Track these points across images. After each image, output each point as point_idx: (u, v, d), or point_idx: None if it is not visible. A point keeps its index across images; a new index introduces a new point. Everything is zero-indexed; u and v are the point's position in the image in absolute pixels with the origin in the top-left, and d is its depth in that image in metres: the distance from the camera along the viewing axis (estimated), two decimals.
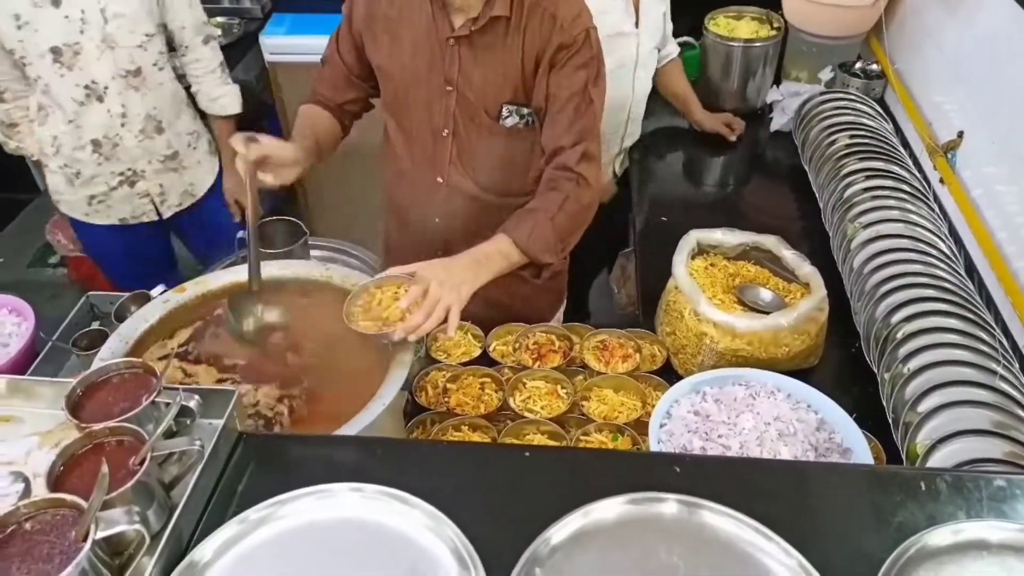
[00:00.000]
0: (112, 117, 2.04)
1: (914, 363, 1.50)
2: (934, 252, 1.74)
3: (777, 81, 2.67)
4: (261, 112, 3.66)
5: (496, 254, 1.48)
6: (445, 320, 1.36)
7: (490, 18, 1.50)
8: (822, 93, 2.41)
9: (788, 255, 1.72)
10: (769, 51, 2.55)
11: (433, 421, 1.54)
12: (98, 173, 2.12)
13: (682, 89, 2.49)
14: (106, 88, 2.00)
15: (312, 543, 0.98)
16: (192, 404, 1.07)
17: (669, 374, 1.66)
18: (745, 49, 2.53)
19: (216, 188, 2.40)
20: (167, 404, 1.04)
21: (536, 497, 1.04)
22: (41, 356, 1.66)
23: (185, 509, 0.97)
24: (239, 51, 3.25)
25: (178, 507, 0.96)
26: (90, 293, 1.85)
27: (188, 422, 1.09)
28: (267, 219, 2.07)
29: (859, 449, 1.35)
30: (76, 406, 1.04)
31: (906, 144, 2.27)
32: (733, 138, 2.50)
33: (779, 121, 2.55)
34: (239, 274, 1.59)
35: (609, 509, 1.00)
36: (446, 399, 1.58)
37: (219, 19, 3.28)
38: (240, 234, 2.23)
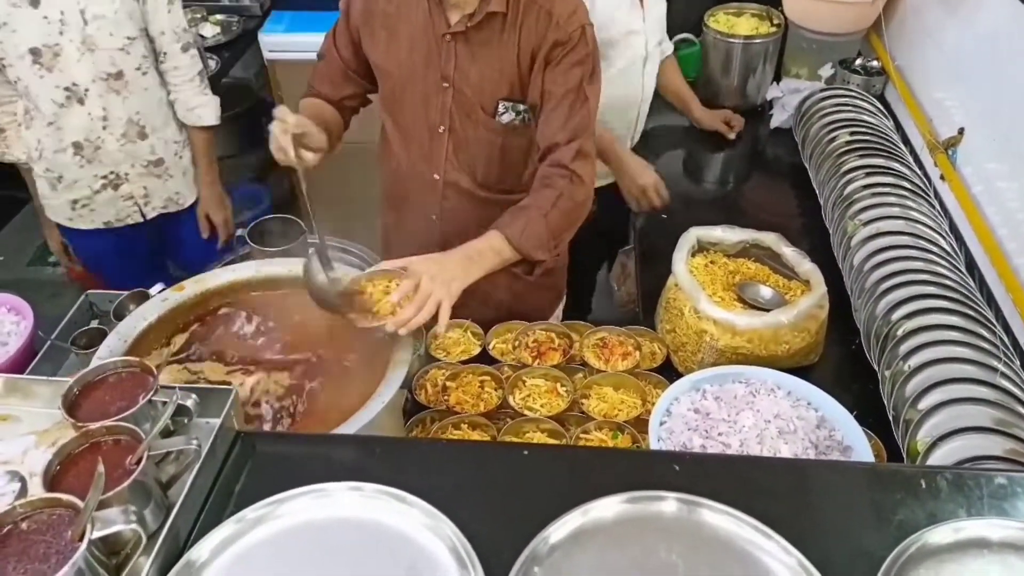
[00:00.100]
0: (93, 120, 2.02)
1: (914, 360, 1.49)
2: (935, 249, 1.74)
3: (777, 78, 2.66)
4: (261, 110, 3.66)
5: (488, 251, 1.48)
6: (436, 317, 1.36)
7: (486, 14, 1.50)
8: (822, 90, 2.41)
9: (788, 252, 1.72)
10: (769, 48, 2.55)
11: (432, 419, 1.54)
12: (80, 176, 2.09)
13: (680, 86, 2.49)
14: (87, 91, 1.98)
15: (310, 542, 0.98)
16: (189, 403, 1.07)
17: (669, 372, 1.66)
18: (745, 46, 2.52)
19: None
20: (164, 403, 1.04)
21: (535, 496, 1.03)
22: (40, 355, 1.66)
23: (182, 508, 0.97)
24: (238, 49, 3.25)
25: (175, 506, 0.96)
26: (89, 292, 1.84)
27: (185, 421, 1.08)
28: (265, 217, 2.06)
29: (859, 447, 1.34)
30: (73, 405, 1.04)
31: (906, 141, 2.26)
32: (732, 135, 2.49)
33: (779, 118, 2.54)
34: (239, 272, 1.60)
35: (608, 508, 1.00)
36: (445, 397, 1.58)
37: (218, 16, 3.28)
38: (239, 232, 2.23)
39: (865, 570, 0.92)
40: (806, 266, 1.69)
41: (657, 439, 1.36)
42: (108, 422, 0.98)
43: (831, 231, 1.98)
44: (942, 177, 2.03)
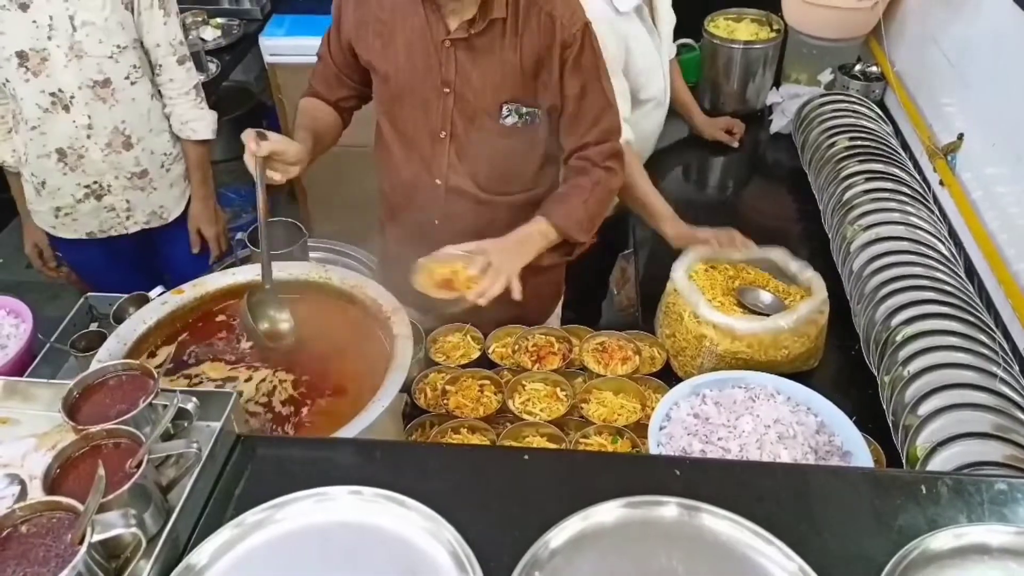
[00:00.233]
0: (77, 128, 2.00)
1: (914, 366, 1.49)
2: (934, 254, 1.74)
3: (777, 83, 2.66)
4: (261, 113, 3.67)
5: (536, 234, 1.62)
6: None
7: (488, 20, 1.50)
8: (822, 95, 2.41)
9: (794, 266, 1.73)
10: (769, 53, 2.55)
11: (432, 423, 1.54)
12: (63, 184, 2.08)
13: (682, 90, 2.49)
14: (72, 97, 1.97)
15: (310, 546, 0.98)
16: (189, 406, 1.06)
17: (669, 376, 1.66)
18: (745, 51, 2.52)
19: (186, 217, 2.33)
20: (164, 406, 1.04)
21: (535, 500, 1.03)
22: (39, 357, 1.66)
23: (182, 512, 0.96)
24: (239, 52, 3.25)
25: (175, 510, 0.96)
26: (89, 294, 1.84)
27: (185, 424, 1.08)
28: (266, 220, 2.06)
29: (859, 452, 1.34)
30: (73, 408, 1.04)
31: (906, 146, 2.27)
32: (735, 143, 2.50)
33: (779, 123, 2.55)
34: (238, 276, 1.59)
35: (609, 512, 1.00)
36: (445, 401, 1.58)
37: (218, 20, 3.28)
38: (238, 235, 2.22)
39: (866, 575, 0.92)
40: (808, 274, 1.70)
41: (657, 444, 1.36)
42: (108, 425, 0.98)
43: (830, 236, 1.99)
44: (941, 182, 2.03)
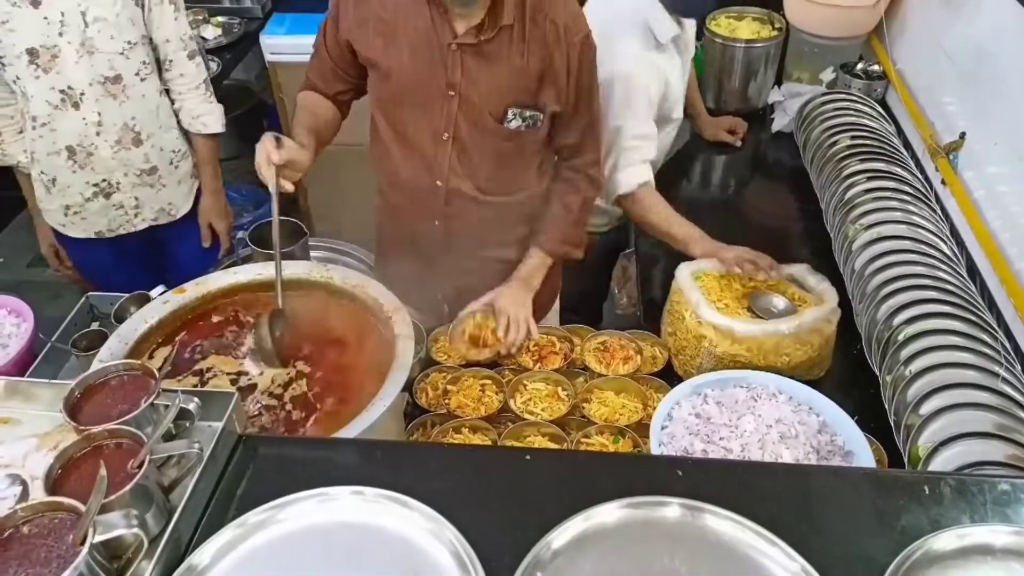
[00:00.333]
0: (87, 125, 2.00)
1: (916, 365, 1.49)
2: (936, 254, 1.74)
3: (778, 82, 2.66)
4: (262, 111, 3.66)
5: (535, 269, 1.78)
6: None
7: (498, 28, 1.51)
8: (823, 94, 2.41)
9: (811, 280, 1.73)
10: (770, 52, 2.55)
11: (433, 423, 1.54)
12: (72, 182, 2.08)
13: (691, 88, 2.48)
14: (82, 94, 1.96)
15: (312, 546, 0.98)
16: (191, 407, 1.06)
17: (670, 376, 1.66)
18: (746, 50, 2.52)
19: (196, 213, 2.33)
20: (166, 406, 1.04)
21: (537, 500, 1.03)
22: (40, 357, 1.66)
23: (184, 512, 0.96)
24: (239, 51, 3.25)
25: (177, 510, 0.96)
26: (90, 294, 1.84)
27: (187, 424, 1.08)
28: (266, 220, 2.05)
29: (861, 452, 1.34)
30: (74, 408, 1.03)
31: (908, 145, 2.26)
32: (738, 143, 2.49)
33: (780, 122, 2.54)
34: (239, 275, 1.59)
35: (611, 513, 1.00)
36: (446, 401, 1.58)
37: (219, 19, 3.27)
38: (239, 234, 2.22)
39: None
40: (823, 286, 1.70)
41: (658, 444, 1.36)
42: (110, 425, 0.98)
43: (832, 235, 1.98)
44: (943, 181, 2.03)
